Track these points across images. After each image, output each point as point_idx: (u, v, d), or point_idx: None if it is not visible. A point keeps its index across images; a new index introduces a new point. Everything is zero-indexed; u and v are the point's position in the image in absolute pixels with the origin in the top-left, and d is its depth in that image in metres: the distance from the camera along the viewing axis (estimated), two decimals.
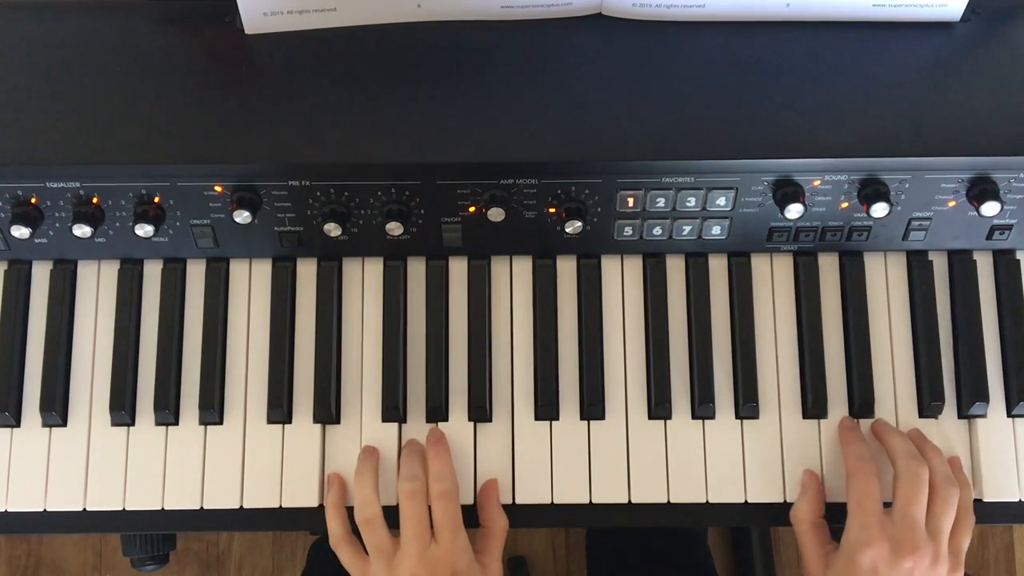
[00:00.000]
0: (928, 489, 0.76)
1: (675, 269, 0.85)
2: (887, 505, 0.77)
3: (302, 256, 0.85)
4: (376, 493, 0.79)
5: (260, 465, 0.82)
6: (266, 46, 0.82)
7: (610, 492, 0.81)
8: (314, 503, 0.82)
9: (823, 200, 0.79)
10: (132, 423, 0.83)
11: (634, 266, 0.85)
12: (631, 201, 0.79)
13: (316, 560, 1.12)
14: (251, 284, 0.85)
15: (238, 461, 0.82)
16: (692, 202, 0.79)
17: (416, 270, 0.85)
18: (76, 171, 0.76)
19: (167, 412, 0.82)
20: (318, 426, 0.83)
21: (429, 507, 0.78)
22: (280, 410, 0.82)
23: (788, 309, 0.85)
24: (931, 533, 0.74)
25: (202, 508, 0.81)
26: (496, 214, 0.78)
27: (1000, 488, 0.82)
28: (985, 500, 0.82)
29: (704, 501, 0.82)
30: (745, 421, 0.83)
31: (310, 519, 0.82)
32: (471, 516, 0.81)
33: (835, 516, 0.80)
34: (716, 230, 0.82)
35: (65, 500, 0.81)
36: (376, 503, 0.79)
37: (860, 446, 0.79)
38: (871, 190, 0.77)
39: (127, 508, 0.81)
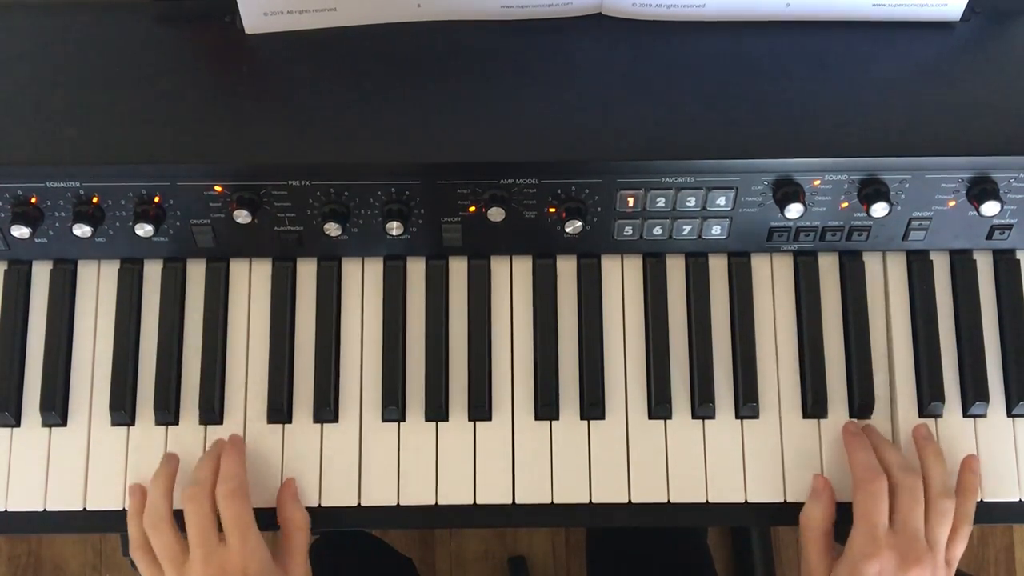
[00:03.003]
0: (925, 499, 0.77)
1: (675, 269, 0.85)
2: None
3: (302, 256, 0.85)
4: (165, 499, 0.77)
5: (260, 465, 0.82)
6: (266, 46, 0.82)
7: (610, 492, 0.81)
8: (315, 502, 0.81)
9: (823, 200, 0.79)
10: (132, 423, 0.83)
11: (634, 266, 0.85)
12: (631, 201, 0.79)
13: (315, 561, 1.12)
14: (251, 284, 0.85)
15: None
16: (692, 202, 0.79)
17: (416, 270, 0.85)
18: (76, 171, 0.76)
19: (167, 412, 0.82)
20: (318, 426, 0.83)
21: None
22: (280, 411, 0.82)
23: (788, 309, 0.85)
24: (928, 544, 0.75)
25: None
26: (496, 214, 0.78)
27: (1000, 488, 0.82)
28: (985, 500, 0.82)
29: (704, 501, 0.82)
30: (745, 421, 0.83)
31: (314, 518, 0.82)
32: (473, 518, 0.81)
33: (839, 517, 0.80)
34: (716, 230, 0.82)
35: (65, 500, 0.81)
36: (163, 508, 0.77)
37: (868, 455, 0.79)
38: (871, 190, 0.77)
39: (127, 508, 0.81)
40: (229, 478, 0.77)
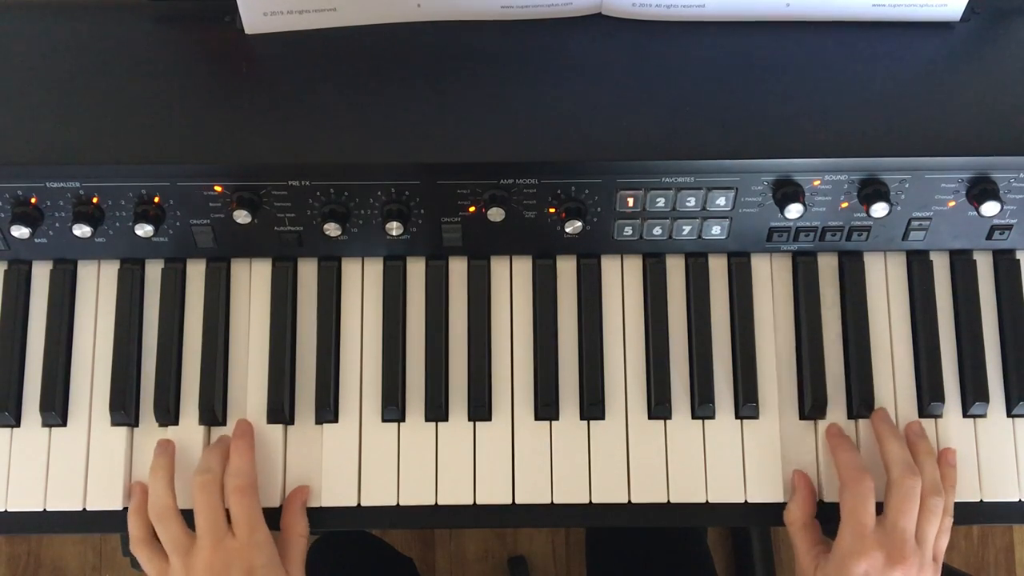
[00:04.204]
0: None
1: (675, 269, 0.85)
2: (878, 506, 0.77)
3: (302, 256, 0.85)
4: (168, 489, 0.78)
5: (261, 465, 0.82)
6: (266, 46, 0.82)
7: (610, 492, 0.81)
8: (315, 502, 0.81)
9: (823, 200, 0.79)
10: (132, 423, 0.83)
11: (634, 266, 0.85)
12: (631, 201, 0.79)
13: (315, 561, 1.12)
14: (251, 284, 0.85)
15: None
16: (692, 202, 0.79)
17: (416, 270, 0.85)
18: (76, 171, 0.76)
19: (167, 412, 0.82)
20: (319, 426, 0.83)
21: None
22: (280, 411, 0.82)
23: (787, 309, 0.85)
24: (917, 541, 0.75)
25: None
26: (496, 214, 0.78)
27: (1000, 488, 0.82)
28: (985, 500, 0.82)
29: (704, 501, 0.82)
30: (745, 421, 0.83)
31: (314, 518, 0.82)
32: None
33: (831, 515, 0.80)
34: (716, 230, 0.82)
35: (65, 500, 0.81)
36: (168, 497, 0.78)
37: (852, 455, 0.80)
38: (871, 190, 0.77)
39: (127, 508, 0.81)
40: (239, 473, 0.78)
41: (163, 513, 0.77)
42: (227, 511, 0.78)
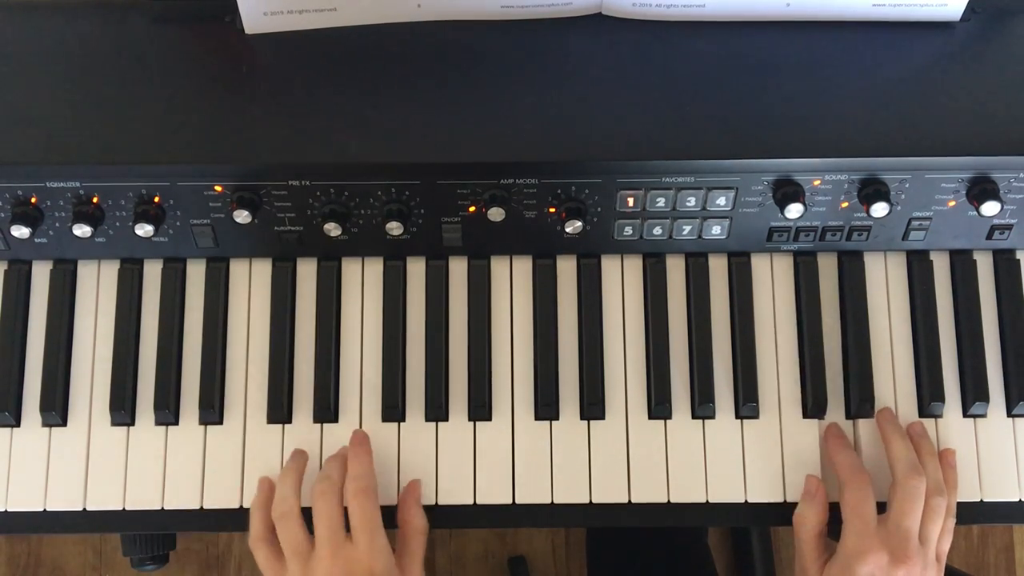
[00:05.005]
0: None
1: (675, 269, 0.85)
2: (880, 506, 0.77)
3: (302, 256, 0.85)
4: (295, 492, 0.78)
5: (260, 465, 0.82)
6: (266, 46, 0.82)
7: (610, 492, 0.81)
8: None
9: (823, 200, 0.79)
10: (132, 423, 0.83)
11: (634, 266, 0.85)
12: (631, 201, 0.79)
13: None
14: (251, 284, 0.85)
15: (238, 461, 0.82)
16: (692, 202, 0.79)
17: (416, 270, 0.85)
18: (76, 171, 0.76)
19: (167, 412, 0.82)
20: (318, 426, 0.83)
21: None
22: (280, 410, 0.82)
23: (788, 309, 0.85)
24: (920, 541, 0.75)
25: (202, 508, 0.81)
26: (496, 214, 0.78)
27: (1000, 488, 0.82)
28: (985, 500, 0.82)
29: (704, 501, 0.82)
30: (745, 421, 0.83)
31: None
32: (463, 517, 0.81)
33: (831, 515, 0.80)
34: (716, 230, 0.82)
35: (65, 500, 0.81)
36: (293, 501, 0.77)
37: (851, 455, 0.80)
38: (871, 190, 0.77)
39: (127, 508, 0.81)
40: (359, 476, 0.77)
41: (286, 513, 0.76)
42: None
